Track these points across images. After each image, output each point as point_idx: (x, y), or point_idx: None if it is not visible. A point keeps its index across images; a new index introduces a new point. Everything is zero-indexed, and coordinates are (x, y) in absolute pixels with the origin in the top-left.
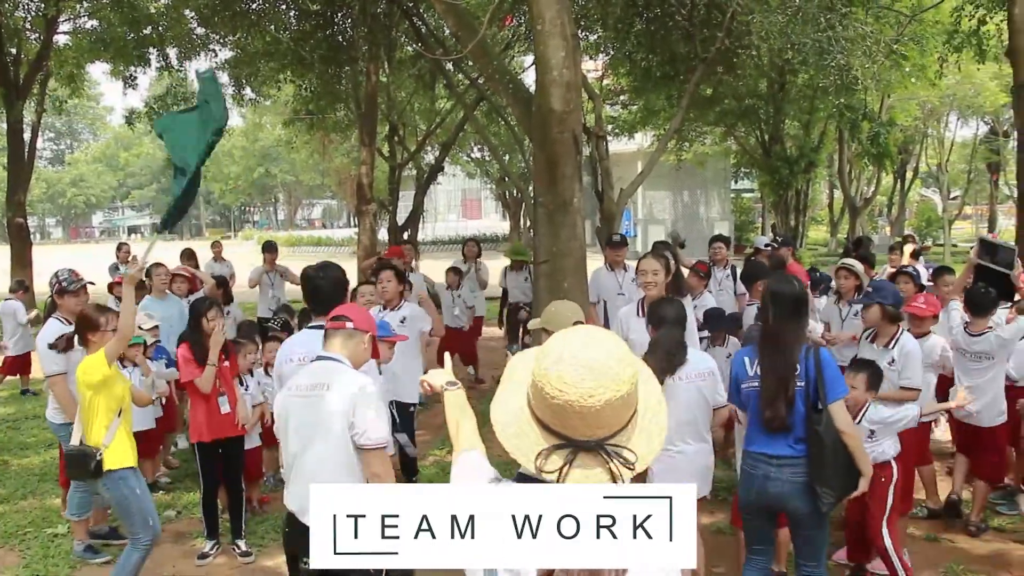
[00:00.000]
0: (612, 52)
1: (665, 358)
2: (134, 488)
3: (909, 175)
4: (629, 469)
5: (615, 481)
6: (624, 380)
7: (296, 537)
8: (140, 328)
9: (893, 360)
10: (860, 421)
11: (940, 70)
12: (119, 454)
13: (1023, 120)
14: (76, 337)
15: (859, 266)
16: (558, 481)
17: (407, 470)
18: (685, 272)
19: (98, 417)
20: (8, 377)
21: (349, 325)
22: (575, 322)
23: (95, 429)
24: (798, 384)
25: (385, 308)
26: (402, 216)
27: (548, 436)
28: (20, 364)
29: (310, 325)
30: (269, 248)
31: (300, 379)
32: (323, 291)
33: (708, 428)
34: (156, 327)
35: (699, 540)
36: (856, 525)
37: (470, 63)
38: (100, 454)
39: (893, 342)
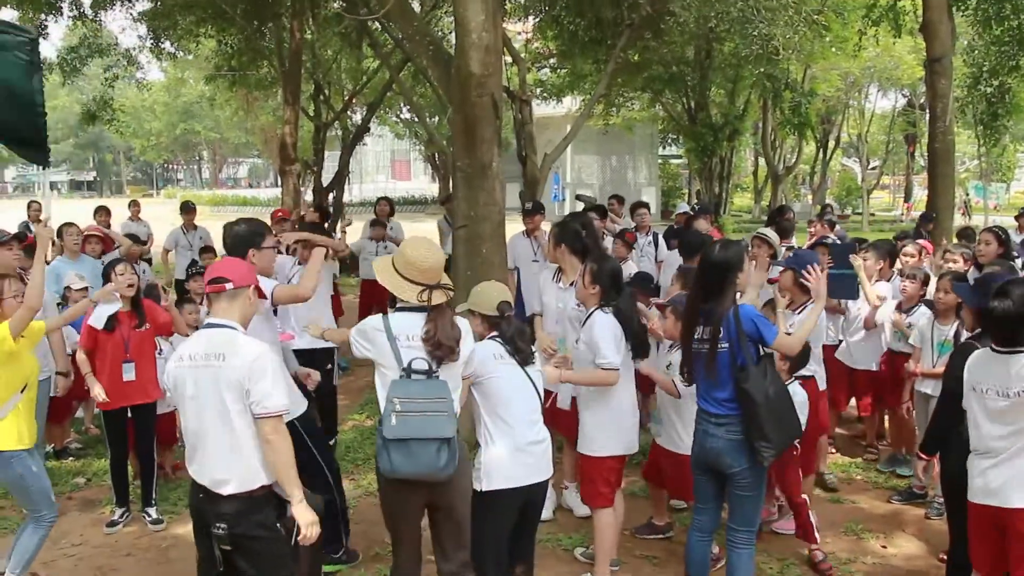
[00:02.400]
0: (540, 15)
1: None
2: (29, 467)
3: (831, 145)
4: (452, 293)
5: (447, 300)
6: (438, 256)
7: (206, 507)
8: (71, 289)
9: (794, 324)
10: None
11: (859, 43)
12: (11, 434)
13: (934, 93)
14: None
15: (773, 235)
16: (428, 302)
17: (326, 427)
18: (609, 239)
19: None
20: None
21: (229, 286)
22: (501, 302)
23: None
24: (722, 345)
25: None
26: (328, 177)
27: (415, 286)
28: None
29: None
30: (187, 208)
31: (193, 347)
32: (226, 245)
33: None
34: (86, 288)
35: (621, 501)
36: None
37: (393, 24)
38: None
39: (801, 308)
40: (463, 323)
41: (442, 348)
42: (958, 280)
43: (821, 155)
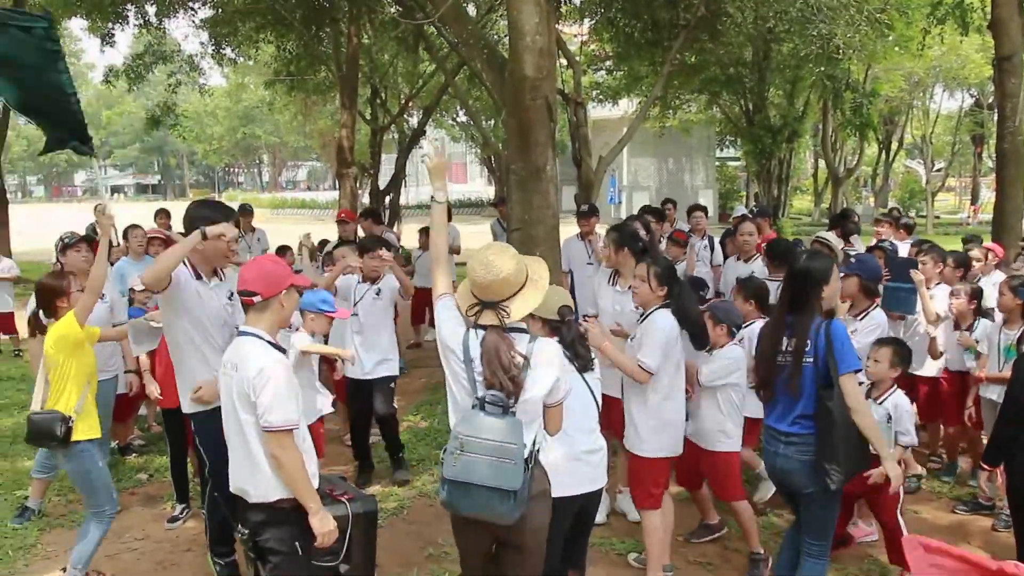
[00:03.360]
0: (596, 17)
1: None
2: (96, 461)
3: (894, 146)
4: (507, 317)
5: (501, 323)
6: (502, 271)
7: (239, 512)
8: (133, 290)
9: (856, 331)
10: (883, 402)
11: (924, 41)
12: (88, 425)
13: (1003, 92)
14: (41, 312)
15: (834, 240)
16: (475, 322)
17: (392, 447)
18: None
19: (70, 383)
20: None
21: (257, 299)
22: (562, 306)
23: (66, 396)
24: (807, 360)
25: (365, 281)
26: (384, 180)
27: (472, 299)
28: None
29: None
30: (244, 211)
31: (226, 355)
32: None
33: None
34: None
35: (671, 503)
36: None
37: (448, 28)
38: (72, 421)
39: (863, 315)
40: (547, 348)
41: (494, 378)
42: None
43: (883, 157)
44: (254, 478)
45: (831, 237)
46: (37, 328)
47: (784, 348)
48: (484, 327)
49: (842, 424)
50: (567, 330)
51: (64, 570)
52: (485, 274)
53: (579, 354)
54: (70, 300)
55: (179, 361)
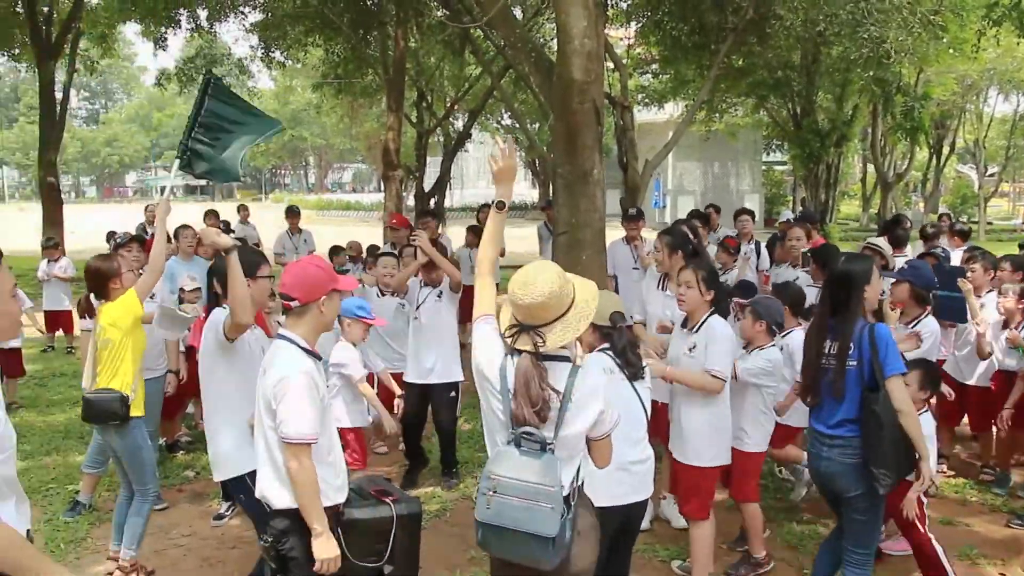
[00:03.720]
0: (642, 20)
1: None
2: (147, 438)
3: (945, 150)
4: (541, 345)
5: (536, 351)
6: (542, 294)
7: (261, 516)
8: (183, 290)
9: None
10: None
11: (978, 44)
12: (138, 402)
13: None
14: (92, 296)
15: (886, 245)
16: (512, 345)
17: (447, 456)
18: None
19: (125, 362)
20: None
21: (295, 304)
22: (614, 312)
23: (121, 374)
24: (851, 363)
25: (383, 295)
26: (430, 182)
27: (511, 320)
28: (62, 320)
29: None
30: (291, 212)
31: (264, 358)
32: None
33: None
34: (198, 289)
35: (713, 512)
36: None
37: (495, 31)
38: (131, 400)
39: (915, 322)
40: (589, 379)
41: (519, 411)
42: None
43: (934, 161)
44: (277, 485)
45: (882, 243)
46: (87, 311)
47: (827, 351)
48: (520, 352)
49: (889, 428)
50: (618, 336)
51: (110, 558)
52: (524, 295)
53: (630, 362)
54: (122, 281)
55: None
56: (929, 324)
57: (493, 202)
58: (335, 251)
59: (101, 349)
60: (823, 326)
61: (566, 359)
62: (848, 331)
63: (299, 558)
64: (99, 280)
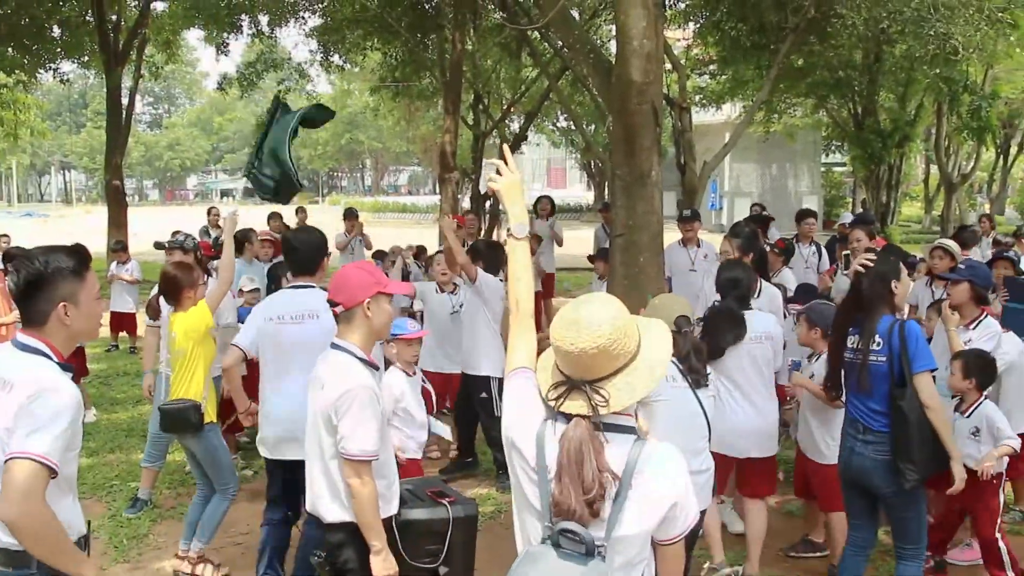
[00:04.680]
0: (701, 21)
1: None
2: (222, 440)
3: (1013, 150)
4: (603, 406)
5: (594, 412)
6: (600, 336)
7: (313, 529)
8: (241, 291)
9: (970, 341)
10: (970, 415)
11: None
12: (211, 408)
13: None
14: (161, 298)
15: (955, 246)
16: (556, 408)
17: (499, 461)
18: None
19: (198, 371)
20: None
21: (339, 310)
22: (679, 316)
23: (195, 382)
24: (880, 359)
25: (443, 291)
26: (485, 185)
27: (557, 375)
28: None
29: (290, 285)
30: (349, 215)
31: (316, 366)
32: (299, 253)
33: (764, 391)
34: (256, 290)
35: (765, 513)
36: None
37: (553, 32)
38: (203, 407)
39: (975, 323)
40: (658, 458)
41: (565, 500)
42: None
43: (1001, 162)
44: (329, 499)
45: (951, 243)
46: (155, 312)
47: (854, 345)
48: (568, 418)
49: (917, 424)
50: (683, 342)
51: (179, 556)
52: (575, 338)
53: (693, 368)
54: (196, 293)
55: None
56: (990, 324)
57: (508, 231)
58: (378, 255)
59: (175, 360)
60: (848, 321)
61: (629, 429)
62: (872, 326)
63: (356, 568)
64: (175, 288)
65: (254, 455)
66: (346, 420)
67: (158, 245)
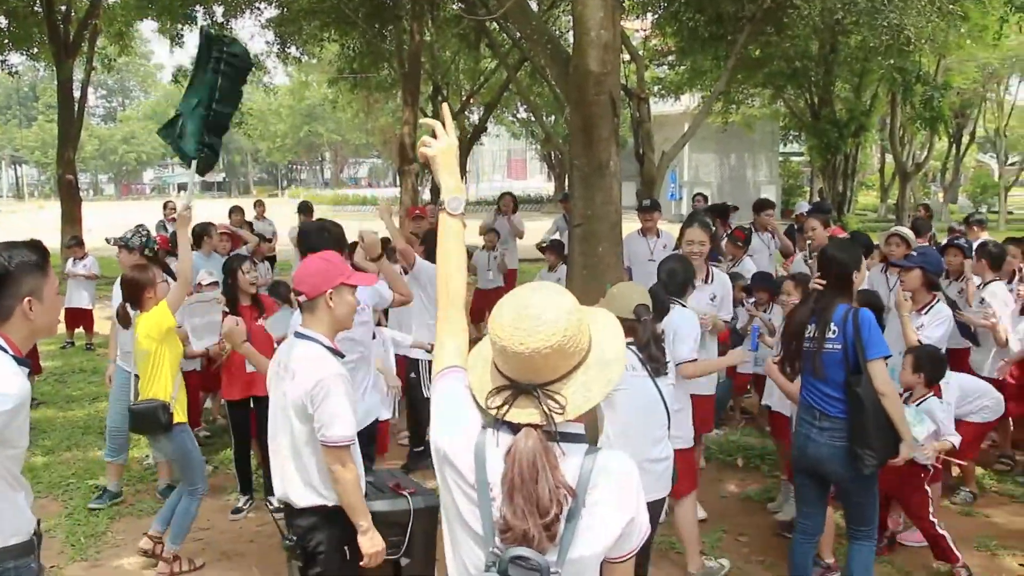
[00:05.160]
0: (659, 11)
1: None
2: (193, 440)
3: (965, 140)
4: (559, 413)
5: (548, 421)
6: (555, 332)
7: (286, 516)
8: (200, 285)
9: (922, 326)
10: (920, 405)
11: (1000, 31)
12: (181, 408)
13: None
14: (127, 305)
15: (910, 234)
16: (499, 417)
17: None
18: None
19: (163, 370)
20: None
21: (302, 299)
22: (639, 304)
23: (161, 382)
24: (835, 346)
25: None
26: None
27: (498, 377)
28: (82, 318)
29: None
30: (304, 209)
31: (279, 355)
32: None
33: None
34: (215, 283)
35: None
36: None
37: (511, 23)
38: (172, 407)
39: (927, 308)
40: (612, 466)
41: (518, 522)
42: None
43: (954, 151)
44: (301, 484)
45: (907, 231)
46: (124, 320)
47: (811, 334)
48: (514, 427)
49: (873, 410)
50: (643, 330)
51: (145, 552)
52: (526, 337)
53: (653, 357)
54: (156, 292)
55: None
56: (942, 309)
57: (439, 203)
58: (354, 247)
59: (140, 361)
60: (808, 309)
61: (581, 438)
62: (827, 315)
63: (327, 551)
64: (134, 290)
65: (214, 450)
66: (323, 408)
67: (107, 241)
